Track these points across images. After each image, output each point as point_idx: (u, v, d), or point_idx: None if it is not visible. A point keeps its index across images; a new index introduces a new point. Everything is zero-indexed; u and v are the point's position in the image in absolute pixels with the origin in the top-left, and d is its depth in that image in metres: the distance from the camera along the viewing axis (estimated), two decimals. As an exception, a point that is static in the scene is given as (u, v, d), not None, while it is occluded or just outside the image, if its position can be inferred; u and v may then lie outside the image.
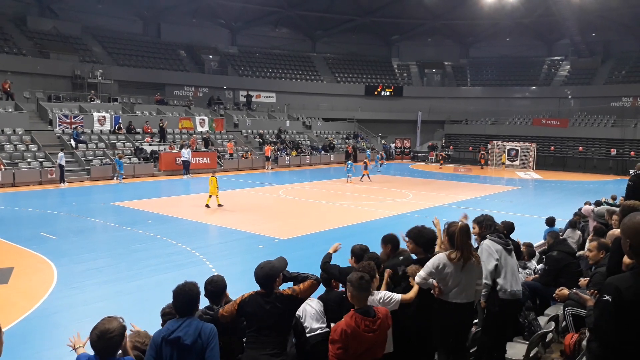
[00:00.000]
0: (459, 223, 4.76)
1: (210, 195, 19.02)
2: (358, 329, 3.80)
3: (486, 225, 5.51)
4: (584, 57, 48.50)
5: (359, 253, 5.23)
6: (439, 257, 4.65)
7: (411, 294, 4.64)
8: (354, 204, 21.10)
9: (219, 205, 19.06)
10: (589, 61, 48.11)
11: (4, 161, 24.68)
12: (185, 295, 3.61)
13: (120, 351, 3.39)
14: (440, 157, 42.69)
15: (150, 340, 3.62)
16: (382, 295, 4.54)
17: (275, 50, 51.55)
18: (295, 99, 48.48)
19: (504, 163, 40.95)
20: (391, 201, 22.08)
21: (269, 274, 4.04)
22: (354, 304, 3.97)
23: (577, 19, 42.99)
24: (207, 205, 18.97)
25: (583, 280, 6.02)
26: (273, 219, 17.66)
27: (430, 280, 4.64)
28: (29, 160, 26.09)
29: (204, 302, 4.18)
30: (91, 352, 3.29)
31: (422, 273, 4.62)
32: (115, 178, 26.88)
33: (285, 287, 4.25)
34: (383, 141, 49.84)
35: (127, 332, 3.51)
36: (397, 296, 4.56)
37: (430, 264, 4.63)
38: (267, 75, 49.31)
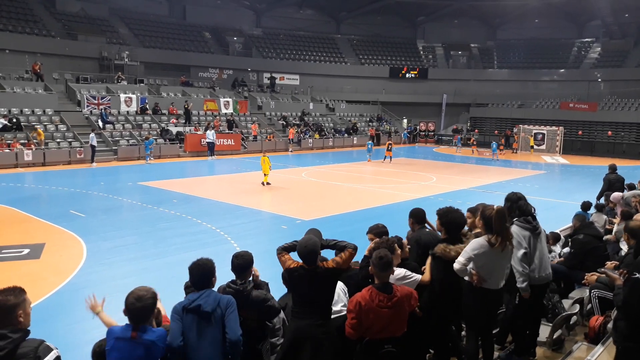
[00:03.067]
0: (495, 206, 4.66)
1: (265, 174, 19.98)
2: (372, 302, 3.89)
3: (512, 206, 5.15)
4: (616, 38, 47.08)
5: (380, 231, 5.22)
6: (479, 242, 4.51)
7: (427, 276, 4.63)
8: (376, 187, 21.06)
9: (263, 184, 20.00)
10: (620, 43, 46.70)
11: (34, 141, 25.24)
12: (199, 269, 3.81)
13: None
14: (503, 138, 40.34)
15: (172, 310, 3.78)
16: (400, 273, 4.50)
17: (299, 32, 51.28)
18: (318, 81, 48.25)
19: (532, 147, 40.19)
20: (414, 184, 21.98)
21: (314, 250, 4.16)
22: (375, 280, 4.06)
23: (610, -1, 41.71)
24: (267, 183, 20.04)
25: (610, 264, 5.96)
26: (296, 200, 17.77)
27: (469, 268, 4.52)
28: (58, 140, 26.64)
29: (230, 276, 4.27)
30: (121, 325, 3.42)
31: (461, 259, 4.49)
32: (148, 159, 27.19)
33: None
34: (408, 123, 49.33)
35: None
36: (418, 277, 4.56)
37: (469, 249, 4.49)
38: (291, 57, 49.14)
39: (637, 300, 2.82)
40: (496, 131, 44.76)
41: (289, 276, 4.26)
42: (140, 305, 3.35)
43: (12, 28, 33.52)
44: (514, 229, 4.94)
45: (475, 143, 38.75)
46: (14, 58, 32.39)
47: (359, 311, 3.90)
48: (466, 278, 4.60)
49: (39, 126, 25.99)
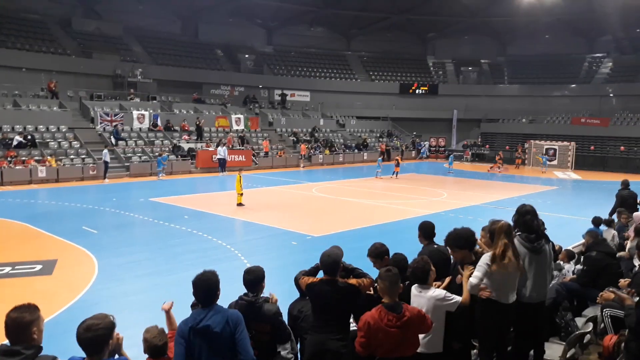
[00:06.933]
0: (501, 221, 4.68)
1: (239, 193, 18.83)
2: (380, 322, 3.86)
3: (518, 219, 5.03)
4: (627, 53, 46.92)
5: (377, 252, 5.20)
6: (487, 256, 4.55)
7: (467, 297, 4.52)
8: (387, 202, 21.02)
9: (239, 204, 18.89)
10: (632, 58, 46.54)
11: (48, 157, 25.55)
12: (205, 284, 3.65)
13: (110, 351, 3.20)
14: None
15: (177, 331, 3.68)
16: (440, 294, 4.42)
17: (310, 49, 51.71)
18: (329, 98, 48.53)
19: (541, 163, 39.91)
20: (425, 200, 21.91)
21: (337, 261, 4.31)
22: (384, 299, 4.01)
23: (620, 14, 41.59)
24: (240, 204, 18.92)
25: (623, 281, 5.89)
26: (306, 216, 17.77)
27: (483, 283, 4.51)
28: (72, 156, 26.96)
29: (240, 292, 4.29)
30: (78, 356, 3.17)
31: (477, 273, 4.48)
32: (160, 175, 27.36)
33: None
34: (417, 139, 49.22)
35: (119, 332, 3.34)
36: (458, 298, 4.46)
37: (482, 263, 4.49)
38: (302, 74, 49.51)
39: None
40: (507, 147, 44.60)
41: (308, 292, 4.34)
42: (91, 336, 2.99)
43: (29, 47, 34.13)
44: (515, 242, 4.82)
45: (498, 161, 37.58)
46: (30, 76, 32.94)
47: (368, 330, 3.89)
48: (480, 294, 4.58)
49: (50, 157, 25.72)
